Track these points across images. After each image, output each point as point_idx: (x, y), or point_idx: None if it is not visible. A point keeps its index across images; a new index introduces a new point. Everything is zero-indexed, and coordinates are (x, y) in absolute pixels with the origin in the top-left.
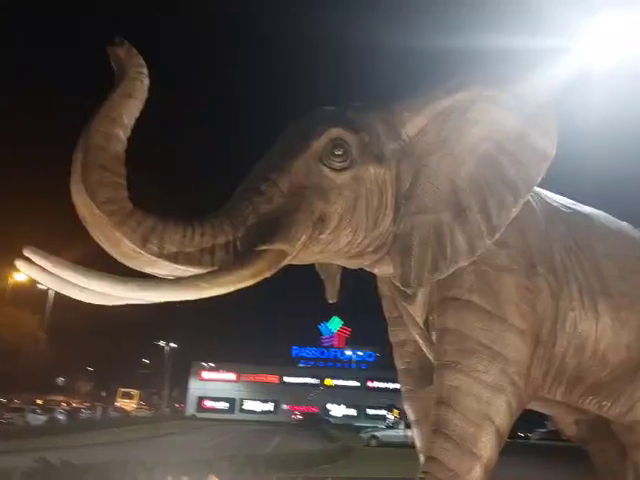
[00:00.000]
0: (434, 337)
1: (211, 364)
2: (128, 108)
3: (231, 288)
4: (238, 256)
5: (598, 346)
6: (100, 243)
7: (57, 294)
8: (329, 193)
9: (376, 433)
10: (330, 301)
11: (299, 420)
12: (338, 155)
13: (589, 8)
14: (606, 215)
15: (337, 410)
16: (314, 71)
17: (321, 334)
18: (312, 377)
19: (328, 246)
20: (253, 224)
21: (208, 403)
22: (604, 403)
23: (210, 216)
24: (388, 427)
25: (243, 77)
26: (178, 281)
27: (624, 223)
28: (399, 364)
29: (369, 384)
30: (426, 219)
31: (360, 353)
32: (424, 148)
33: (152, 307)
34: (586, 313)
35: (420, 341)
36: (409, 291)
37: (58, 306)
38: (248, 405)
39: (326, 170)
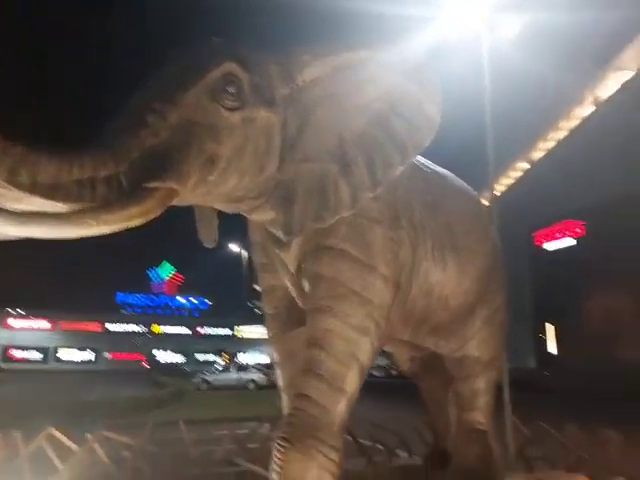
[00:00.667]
0: (306, 283)
1: (20, 311)
2: None
3: (118, 227)
4: (123, 192)
5: (443, 292)
6: None
7: None
8: (220, 133)
9: (207, 377)
10: (208, 246)
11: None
12: (231, 93)
13: None
14: (453, 175)
15: (164, 356)
16: None
17: (150, 280)
18: (139, 325)
19: (214, 188)
20: (138, 158)
21: (16, 353)
22: (441, 342)
23: (89, 147)
24: (220, 371)
25: None
26: (61, 216)
27: (464, 183)
28: (267, 309)
29: (199, 330)
30: (312, 168)
31: (193, 300)
32: (314, 98)
33: None
34: (436, 264)
35: (290, 287)
36: (285, 239)
37: None
38: (65, 354)
39: (217, 107)
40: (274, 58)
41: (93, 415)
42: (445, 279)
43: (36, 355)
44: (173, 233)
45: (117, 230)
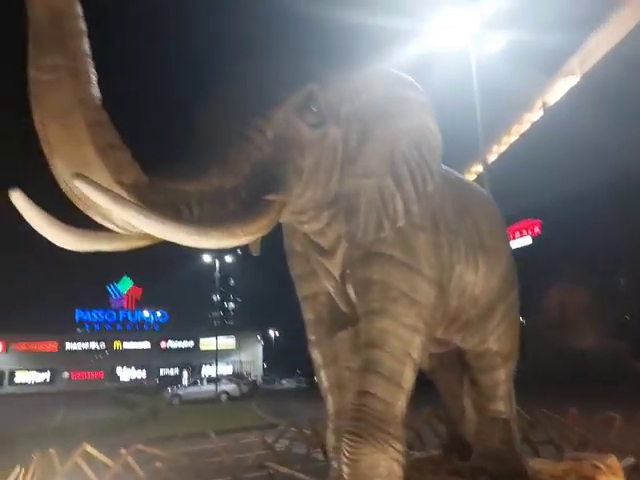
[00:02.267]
0: (353, 289)
1: None
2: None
3: (254, 237)
4: (246, 205)
5: (474, 291)
6: (95, 214)
7: None
8: (304, 148)
9: (179, 391)
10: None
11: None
12: (313, 111)
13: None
14: (471, 181)
15: (127, 373)
16: None
17: (110, 296)
18: (98, 342)
19: (296, 200)
20: (250, 172)
21: None
22: (468, 337)
23: (207, 163)
24: (190, 384)
25: None
26: (222, 228)
27: (480, 187)
28: (309, 315)
29: (162, 344)
30: (372, 183)
31: (157, 314)
32: (372, 117)
33: None
34: (469, 265)
35: (334, 293)
36: (326, 246)
37: None
38: (21, 377)
39: (301, 124)
40: (342, 78)
41: (74, 437)
42: (477, 279)
43: None
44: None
45: (251, 240)
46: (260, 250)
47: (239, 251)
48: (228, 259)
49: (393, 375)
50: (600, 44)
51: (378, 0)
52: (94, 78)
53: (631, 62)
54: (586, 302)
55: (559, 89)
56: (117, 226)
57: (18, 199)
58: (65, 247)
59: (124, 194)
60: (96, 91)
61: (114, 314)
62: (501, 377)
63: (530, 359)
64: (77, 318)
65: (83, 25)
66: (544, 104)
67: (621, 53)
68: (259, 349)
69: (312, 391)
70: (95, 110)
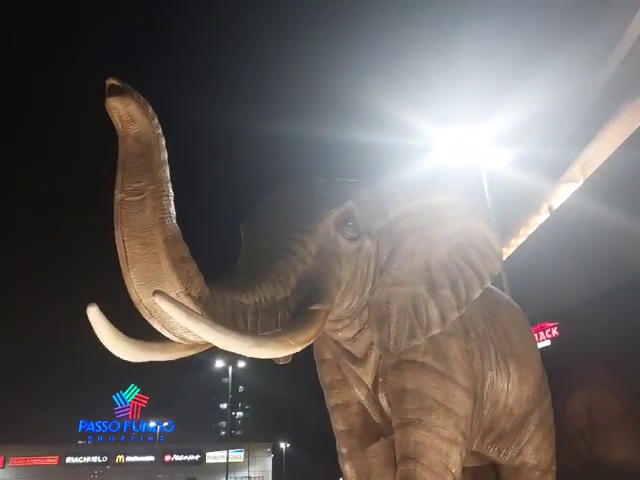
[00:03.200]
0: (386, 398)
1: None
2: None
3: (304, 346)
4: (294, 316)
5: (508, 400)
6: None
7: None
8: (342, 259)
9: None
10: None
11: None
12: (350, 226)
13: (445, 120)
14: (497, 289)
15: None
16: None
17: (115, 405)
18: (100, 455)
19: (335, 309)
20: (297, 283)
21: None
22: (502, 450)
23: (256, 276)
24: None
25: None
26: (276, 339)
27: (506, 295)
28: (340, 426)
29: (166, 458)
30: (403, 291)
31: (162, 423)
32: (403, 229)
33: None
34: (501, 372)
35: (366, 402)
36: (358, 354)
37: None
38: None
39: (340, 238)
40: (375, 196)
41: None
42: (509, 386)
43: None
44: None
45: (300, 349)
46: (291, 358)
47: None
48: (240, 365)
49: None
50: (598, 152)
51: (390, 123)
52: (172, 200)
53: (631, 165)
54: (616, 407)
55: (563, 193)
56: (174, 335)
57: (94, 315)
58: (124, 358)
59: (192, 305)
60: (173, 211)
61: (118, 424)
62: None
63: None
64: (80, 429)
65: (166, 156)
66: (550, 207)
67: (620, 158)
68: (269, 463)
69: None
70: (172, 227)
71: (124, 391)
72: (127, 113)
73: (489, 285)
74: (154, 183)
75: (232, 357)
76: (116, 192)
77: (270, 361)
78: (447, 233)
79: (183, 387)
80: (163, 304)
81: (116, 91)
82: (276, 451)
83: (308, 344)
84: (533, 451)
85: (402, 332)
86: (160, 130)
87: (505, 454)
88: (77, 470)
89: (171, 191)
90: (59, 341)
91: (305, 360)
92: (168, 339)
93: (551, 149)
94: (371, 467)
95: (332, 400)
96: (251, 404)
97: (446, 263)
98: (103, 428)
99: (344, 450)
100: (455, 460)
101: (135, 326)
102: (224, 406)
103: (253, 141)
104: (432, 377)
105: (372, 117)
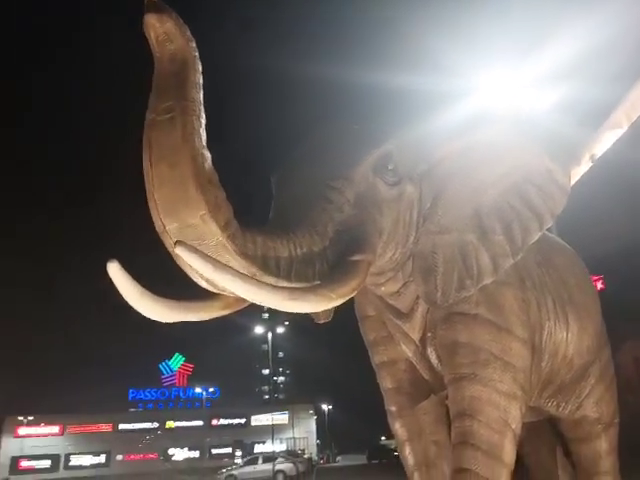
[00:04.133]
0: (437, 353)
1: (30, 417)
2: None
3: (345, 299)
4: (333, 267)
5: (567, 351)
6: (193, 274)
7: None
8: (382, 207)
9: (233, 471)
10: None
11: None
12: (390, 170)
13: (485, 60)
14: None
15: (180, 454)
16: None
17: (161, 373)
18: (151, 421)
19: (376, 261)
20: (334, 233)
21: (25, 463)
22: (562, 403)
23: (292, 225)
24: (245, 463)
25: None
26: (314, 291)
27: (561, 240)
28: (388, 383)
29: (213, 422)
30: (449, 239)
31: (208, 389)
32: (447, 172)
33: None
34: (559, 322)
35: (414, 358)
36: (404, 309)
37: None
38: (76, 460)
39: (380, 183)
40: (415, 138)
41: None
42: (569, 336)
43: (45, 463)
44: (185, 325)
45: (341, 302)
46: (331, 316)
47: (287, 322)
48: (279, 330)
49: (492, 448)
50: None
51: (426, 64)
52: (203, 122)
53: None
54: None
55: (606, 141)
56: (201, 277)
57: (114, 270)
58: (154, 318)
59: (217, 232)
60: (203, 132)
61: (166, 392)
62: (603, 447)
63: None
64: (130, 397)
65: (201, 79)
66: (592, 157)
67: None
68: (312, 424)
69: (377, 467)
70: (200, 147)
71: (169, 360)
72: (164, 31)
73: (550, 225)
74: (186, 100)
75: (271, 323)
76: (147, 113)
77: (310, 323)
78: (499, 171)
79: (225, 354)
80: (185, 255)
81: (154, 8)
82: (318, 412)
83: (349, 297)
84: (594, 404)
85: (450, 283)
86: (197, 53)
87: (564, 407)
88: (130, 436)
89: (203, 114)
90: (105, 317)
91: (343, 320)
92: (201, 298)
93: (594, 92)
94: (422, 425)
95: (378, 357)
96: (291, 368)
97: (498, 206)
98: (152, 396)
99: (393, 408)
100: (515, 415)
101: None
102: (266, 371)
103: (283, 84)
104: (487, 329)
105: (406, 59)
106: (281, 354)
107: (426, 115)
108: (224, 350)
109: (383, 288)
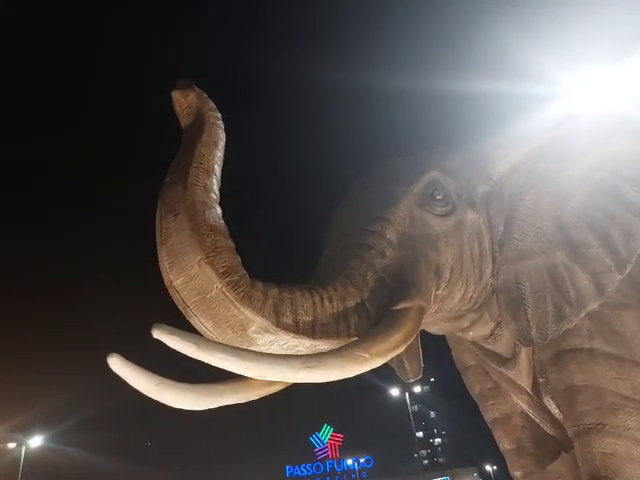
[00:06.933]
0: (554, 401)
1: None
2: (218, 158)
3: (388, 357)
4: (375, 320)
5: None
6: (202, 327)
7: None
8: (437, 241)
9: None
10: (412, 379)
11: None
12: (439, 200)
13: (575, 60)
14: None
15: None
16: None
17: (314, 447)
18: None
19: (443, 304)
20: (376, 282)
21: None
22: None
23: (324, 278)
24: None
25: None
26: (339, 354)
27: None
28: (506, 444)
29: None
30: (533, 264)
31: (360, 460)
32: (515, 187)
33: None
34: None
35: (530, 410)
36: (505, 353)
37: None
38: None
39: (429, 216)
40: (468, 158)
41: None
42: None
43: None
44: (329, 395)
45: (385, 361)
46: (421, 372)
47: (432, 379)
48: (416, 389)
49: None
50: None
51: (509, 67)
52: (213, 174)
53: None
54: None
55: None
56: (219, 334)
57: (118, 366)
58: (183, 407)
59: (214, 277)
60: (212, 184)
61: (321, 465)
62: None
63: None
64: (288, 474)
65: (221, 142)
66: None
67: None
68: None
69: None
70: (201, 195)
71: (319, 432)
72: (188, 104)
73: None
74: (194, 158)
75: (405, 384)
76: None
77: (450, 379)
78: (580, 171)
79: (372, 418)
80: (164, 338)
81: (181, 87)
82: (483, 474)
83: (395, 353)
84: None
85: (544, 315)
86: (219, 121)
87: None
88: None
89: (215, 167)
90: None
91: None
92: (233, 376)
93: None
94: None
95: (489, 414)
96: (447, 429)
97: (587, 212)
98: (308, 471)
99: (518, 473)
100: None
101: None
102: (420, 434)
103: (358, 96)
104: (608, 365)
105: (486, 61)
106: (432, 414)
107: (503, 125)
108: (370, 414)
109: (471, 333)
